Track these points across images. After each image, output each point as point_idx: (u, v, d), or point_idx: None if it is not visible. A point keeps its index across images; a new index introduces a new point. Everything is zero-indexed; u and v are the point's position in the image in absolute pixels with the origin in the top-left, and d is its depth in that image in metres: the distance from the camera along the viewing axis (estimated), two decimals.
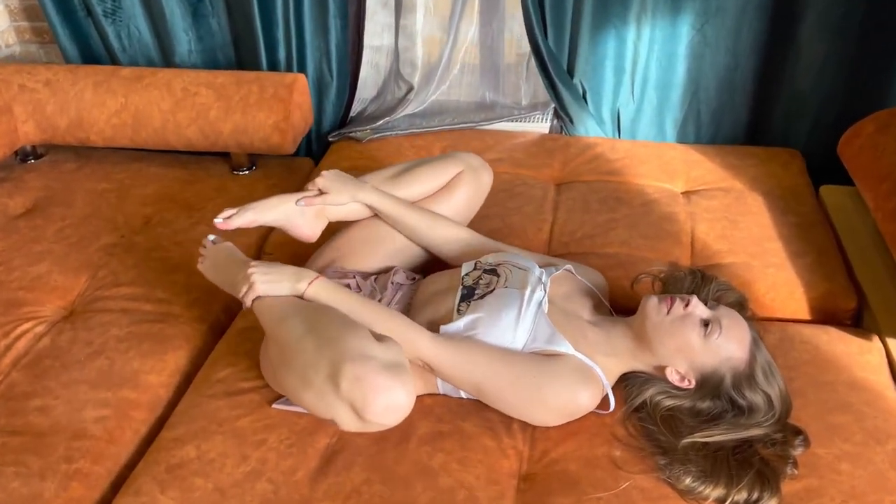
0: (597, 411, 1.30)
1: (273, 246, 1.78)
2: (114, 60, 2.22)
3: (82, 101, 1.99)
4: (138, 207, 1.94)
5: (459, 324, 1.32)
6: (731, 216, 1.81)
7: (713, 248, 1.71)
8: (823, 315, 1.56)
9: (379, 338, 1.16)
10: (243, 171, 2.07)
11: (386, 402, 1.07)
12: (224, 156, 2.11)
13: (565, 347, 1.29)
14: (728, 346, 1.27)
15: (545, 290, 1.38)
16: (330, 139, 2.18)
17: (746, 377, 1.27)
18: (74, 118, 2.00)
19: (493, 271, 1.42)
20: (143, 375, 1.45)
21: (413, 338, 1.24)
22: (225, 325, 1.62)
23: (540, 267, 1.46)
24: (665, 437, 1.25)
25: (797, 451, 1.23)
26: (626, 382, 1.35)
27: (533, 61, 2.10)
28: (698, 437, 1.23)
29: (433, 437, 1.28)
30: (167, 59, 2.20)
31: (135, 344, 1.51)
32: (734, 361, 1.27)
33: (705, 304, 1.32)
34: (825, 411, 1.30)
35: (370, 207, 1.53)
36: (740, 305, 1.50)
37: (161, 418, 1.40)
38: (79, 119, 2.00)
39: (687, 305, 1.29)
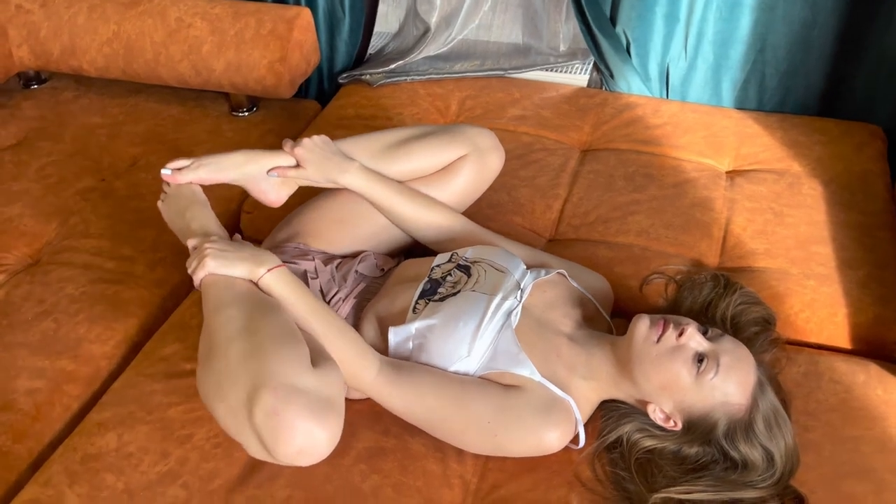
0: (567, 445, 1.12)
1: (253, 204, 1.62)
2: None
3: (75, 26, 1.85)
4: (126, 147, 1.81)
5: (410, 328, 1.14)
6: (778, 207, 1.53)
7: (747, 246, 1.45)
8: (867, 345, 1.30)
9: (318, 359, 1.00)
10: (243, 112, 1.90)
11: (301, 445, 0.91)
12: (225, 94, 1.95)
13: (528, 371, 1.10)
14: (724, 389, 1.05)
15: (520, 298, 1.18)
16: (340, 81, 1.98)
17: (743, 426, 1.05)
18: (67, 44, 1.87)
19: (466, 268, 1.22)
20: (87, 344, 1.35)
21: (357, 370, 1.09)
22: (190, 288, 1.50)
23: (529, 268, 1.25)
24: (636, 486, 1.06)
25: None
26: (604, 412, 1.16)
27: None
28: (675, 493, 1.04)
29: (373, 453, 1.13)
30: None
31: (86, 306, 1.41)
32: (730, 407, 1.05)
33: (706, 332, 1.09)
34: (840, 475, 1.08)
35: (355, 192, 1.33)
36: (766, 323, 1.28)
37: (96, 394, 1.30)
38: (71, 46, 1.87)
39: (681, 335, 1.06)
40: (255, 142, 1.82)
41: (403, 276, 1.27)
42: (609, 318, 1.28)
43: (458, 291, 1.18)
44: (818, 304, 1.33)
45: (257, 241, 1.59)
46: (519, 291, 1.19)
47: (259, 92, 1.81)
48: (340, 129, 1.77)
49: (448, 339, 1.12)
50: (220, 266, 1.10)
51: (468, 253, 1.26)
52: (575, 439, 1.12)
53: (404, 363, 1.13)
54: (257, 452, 0.97)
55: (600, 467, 1.10)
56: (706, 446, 1.08)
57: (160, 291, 1.46)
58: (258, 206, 1.61)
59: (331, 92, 2.04)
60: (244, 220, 1.62)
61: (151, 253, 1.52)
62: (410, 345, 1.15)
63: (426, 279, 1.22)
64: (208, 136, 1.83)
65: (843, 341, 1.31)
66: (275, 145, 1.79)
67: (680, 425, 1.09)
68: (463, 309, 1.14)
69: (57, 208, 1.64)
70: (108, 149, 1.81)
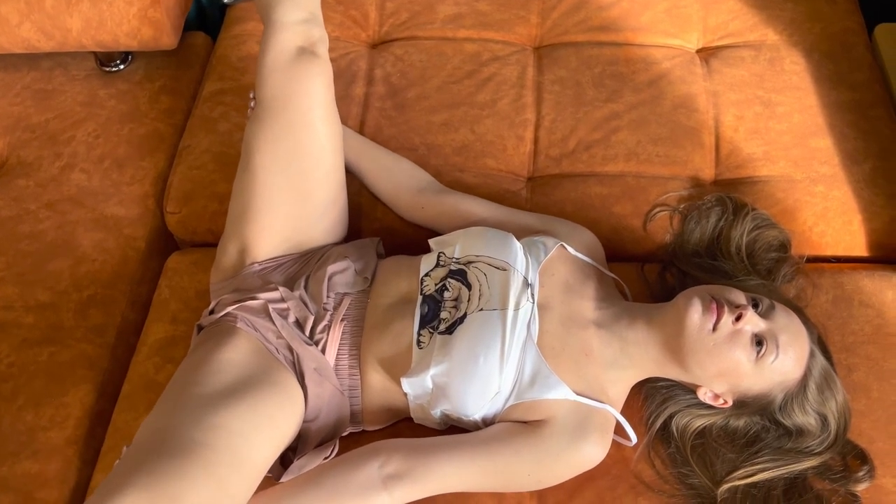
0: (616, 438, 1.05)
1: (176, 202, 1.34)
2: None
3: None
4: None
5: (425, 379, 1.00)
6: (766, 93, 1.40)
7: (744, 152, 1.33)
8: (885, 250, 1.26)
9: None
10: (116, 66, 1.53)
11: None
12: None
13: (562, 393, 1.00)
14: (783, 369, 0.99)
15: (533, 299, 1.04)
16: (226, 2, 1.60)
17: (798, 397, 1.01)
18: None
19: (461, 275, 1.06)
20: (42, 434, 1.14)
21: None
22: (137, 326, 1.27)
23: (519, 241, 1.10)
24: (700, 480, 1.02)
25: (862, 486, 1.02)
26: (643, 396, 1.09)
27: None
28: (738, 479, 1.01)
29: None
30: None
31: (23, 384, 1.18)
32: (787, 384, 1.01)
33: (757, 306, 1.00)
34: (893, 418, 1.07)
35: None
36: (782, 248, 1.22)
37: (76, 489, 1.12)
38: None
39: (738, 319, 0.97)
40: (146, 108, 1.49)
41: (390, 293, 1.09)
42: (611, 272, 1.16)
43: (465, 315, 1.02)
44: (831, 214, 1.25)
45: (193, 245, 1.37)
46: (529, 290, 1.04)
47: (136, 47, 1.44)
48: (248, 75, 1.46)
49: (472, 381, 0.99)
50: None
51: (456, 251, 1.08)
52: (625, 436, 1.05)
53: (411, 455, 0.98)
54: None
55: (659, 462, 1.05)
56: (754, 417, 1.04)
57: (105, 338, 1.24)
58: (183, 204, 1.35)
59: (214, 15, 1.66)
60: (171, 222, 1.35)
61: (75, 291, 1.27)
62: (430, 389, 1.01)
63: (420, 298, 1.05)
64: (85, 109, 1.47)
65: (862, 249, 1.26)
66: (171, 106, 1.51)
67: (730, 403, 1.03)
68: (478, 339, 1.00)
69: None
70: None
